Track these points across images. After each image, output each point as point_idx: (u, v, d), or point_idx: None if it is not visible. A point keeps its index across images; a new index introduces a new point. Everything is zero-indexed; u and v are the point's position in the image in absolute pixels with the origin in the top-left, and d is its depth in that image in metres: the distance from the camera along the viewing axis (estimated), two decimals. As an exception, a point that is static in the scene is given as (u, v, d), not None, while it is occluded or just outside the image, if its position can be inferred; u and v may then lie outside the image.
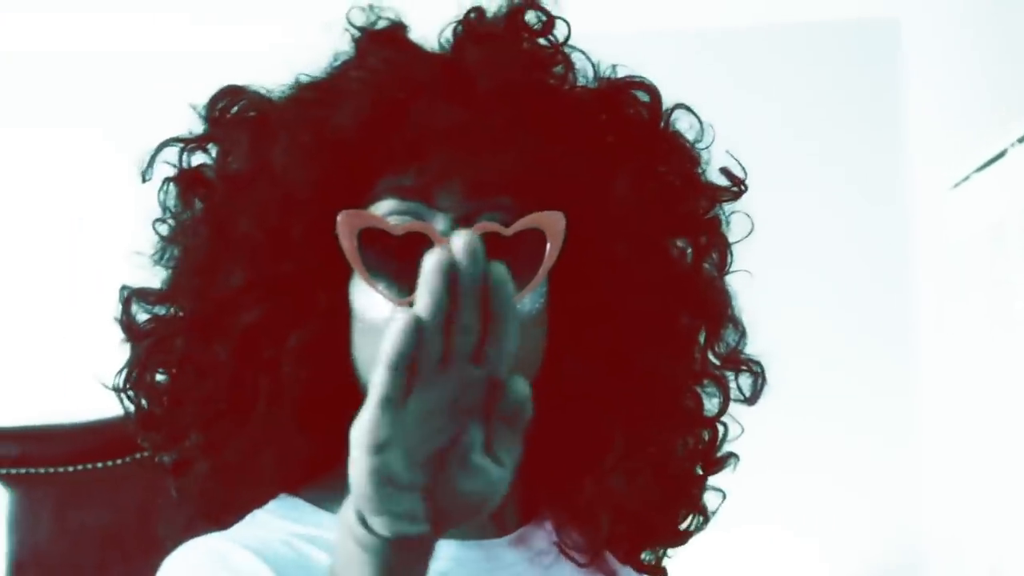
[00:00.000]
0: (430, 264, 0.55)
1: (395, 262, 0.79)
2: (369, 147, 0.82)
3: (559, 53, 0.87)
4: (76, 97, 3.02)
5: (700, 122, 0.90)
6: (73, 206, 3.02)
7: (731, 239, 0.94)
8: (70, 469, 1.17)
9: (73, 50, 3.06)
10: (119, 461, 1.14)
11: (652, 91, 0.88)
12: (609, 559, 0.90)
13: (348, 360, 0.83)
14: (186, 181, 0.86)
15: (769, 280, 2.93)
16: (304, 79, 0.87)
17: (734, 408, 0.93)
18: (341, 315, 0.83)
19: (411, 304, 0.76)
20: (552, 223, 0.81)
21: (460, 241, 0.55)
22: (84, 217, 2.97)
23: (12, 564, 1.16)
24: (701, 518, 0.94)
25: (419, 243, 0.79)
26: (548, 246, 0.81)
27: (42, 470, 1.17)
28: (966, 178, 2.26)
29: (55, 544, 1.17)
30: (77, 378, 0.93)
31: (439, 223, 0.80)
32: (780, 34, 2.87)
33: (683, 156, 0.90)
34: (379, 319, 0.79)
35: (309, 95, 0.86)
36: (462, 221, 0.80)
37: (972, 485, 2.33)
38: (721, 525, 2.90)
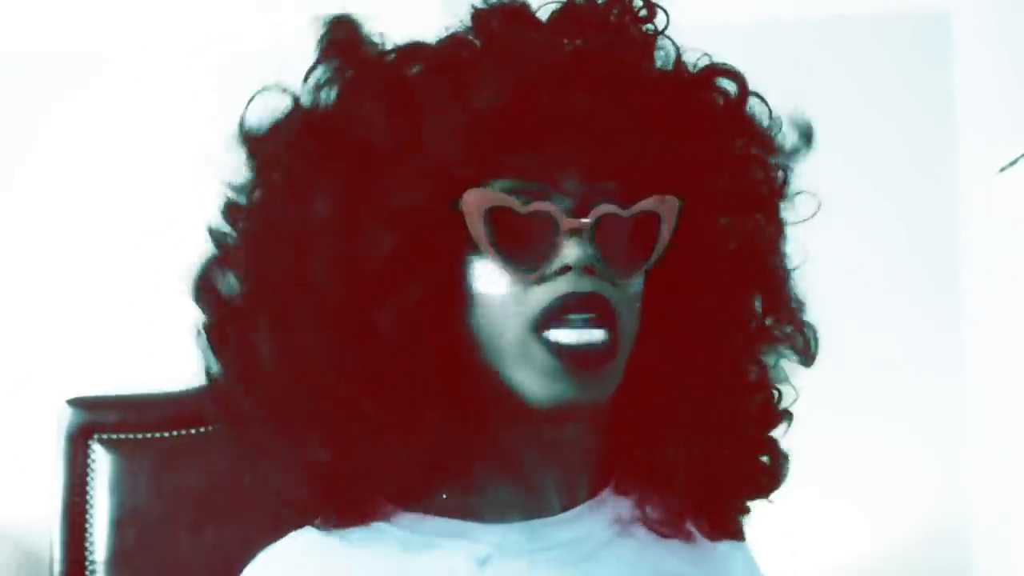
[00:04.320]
0: None
1: (518, 240, 0.79)
2: (500, 127, 0.80)
3: (661, 40, 0.87)
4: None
5: (770, 109, 0.91)
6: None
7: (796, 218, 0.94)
8: (166, 435, 1.19)
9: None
10: (211, 428, 1.14)
11: (739, 78, 0.89)
12: (696, 536, 0.90)
13: (460, 338, 0.80)
14: (307, 127, 0.81)
15: (822, 261, 2.90)
16: (419, 42, 0.83)
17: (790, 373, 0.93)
18: (452, 291, 0.81)
19: (534, 281, 0.77)
20: (668, 207, 0.82)
21: None
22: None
23: (113, 523, 1.18)
24: (776, 473, 0.96)
25: (542, 223, 0.79)
26: (662, 228, 0.82)
27: (140, 435, 1.20)
28: (1013, 162, 2.23)
29: (152, 505, 1.19)
30: (174, 349, 0.92)
31: (561, 204, 0.79)
32: (828, 22, 2.84)
33: (765, 140, 0.90)
34: (500, 296, 0.79)
35: (439, 63, 0.82)
36: (581, 203, 0.80)
37: (1018, 455, 2.30)
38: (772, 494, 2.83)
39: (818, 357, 0.93)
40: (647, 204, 0.81)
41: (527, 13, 0.84)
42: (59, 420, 1.23)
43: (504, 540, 0.82)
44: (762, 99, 0.90)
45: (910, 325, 2.76)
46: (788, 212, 0.94)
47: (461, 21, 0.84)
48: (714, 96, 0.88)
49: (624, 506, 0.87)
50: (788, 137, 0.93)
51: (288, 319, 0.79)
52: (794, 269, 0.94)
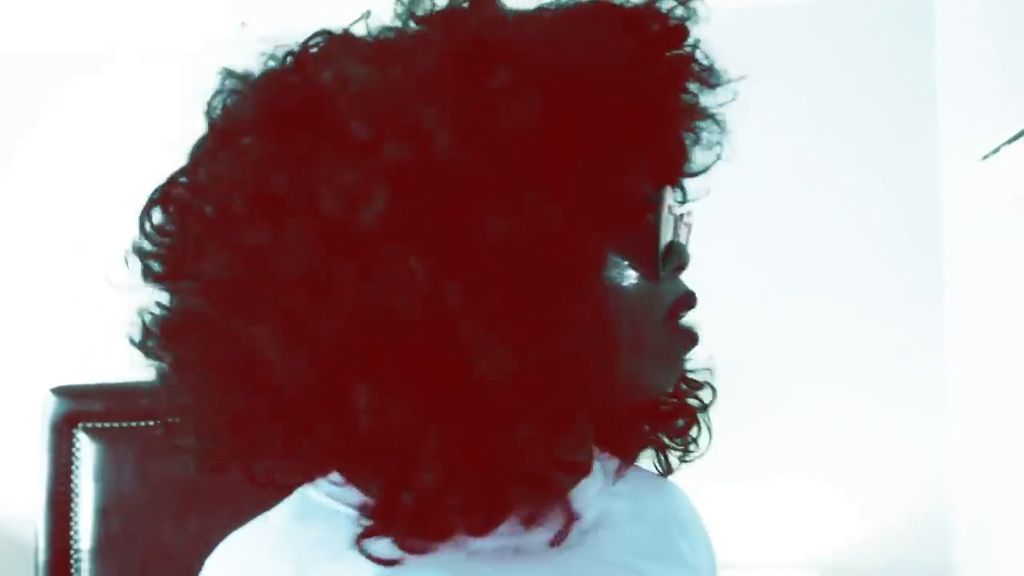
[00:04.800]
0: None
1: (661, 240, 0.79)
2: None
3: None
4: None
5: None
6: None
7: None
8: (151, 423, 1.19)
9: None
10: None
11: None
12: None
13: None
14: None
15: (804, 254, 2.92)
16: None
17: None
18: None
19: (660, 280, 0.76)
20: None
21: None
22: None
23: (98, 511, 1.18)
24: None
25: (678, 224, 0.81)
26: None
27: (125, 424, 1.19)
28: (995, 150, 2.24)
29: (137, 494, 1.19)
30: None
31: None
32: (813, 8, 2.84)
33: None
34: (632, 291, 0.77)
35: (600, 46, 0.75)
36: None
37: (998, 441, 2.32)
38: (755, 476, 2.88)
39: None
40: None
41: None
42: (44, 409, 1.22)
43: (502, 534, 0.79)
44: None
45: (892, 314, 2.78)
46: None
47: None
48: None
49: (599, 478, 0.87)
50: None
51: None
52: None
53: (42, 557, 1.18)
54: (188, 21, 2.98)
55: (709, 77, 0.83)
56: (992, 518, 2.36)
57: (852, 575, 2.70)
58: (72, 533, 1.18)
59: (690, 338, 0.81)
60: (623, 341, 0.76)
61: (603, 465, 0.89)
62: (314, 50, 0.76)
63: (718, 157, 0.86)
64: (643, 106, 0.76)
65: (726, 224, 2.79)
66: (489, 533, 0.73)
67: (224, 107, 0.77)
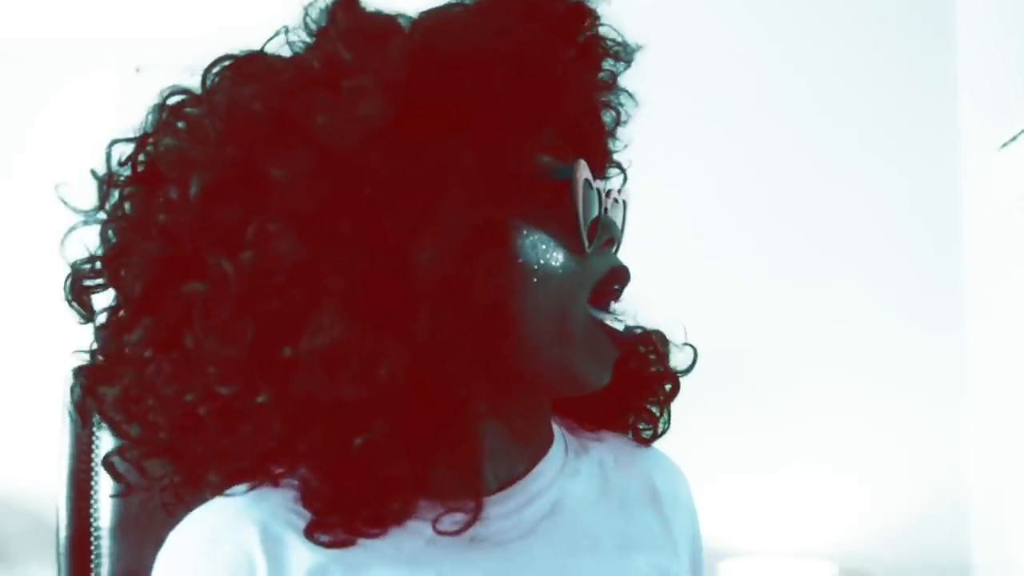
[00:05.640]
0: None
1: (585, 214, 0.79)
2: (530, 100, 0.77)
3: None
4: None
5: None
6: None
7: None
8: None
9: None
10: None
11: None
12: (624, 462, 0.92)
13: (512, 314, 0.75)
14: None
15: (819, 238, 2.91)
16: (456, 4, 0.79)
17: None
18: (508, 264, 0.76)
19: (587, 255, 0.77)
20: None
21: None
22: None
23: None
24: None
25: (604, 197, 0.81)
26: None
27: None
28: (1014, 138, 2.23)
29: (156, 472, 1.21)
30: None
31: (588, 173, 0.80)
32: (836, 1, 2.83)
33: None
34: (557, 267, 0.77)
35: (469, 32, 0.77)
36: (600, 172, 0.84)
37: (1016, 432, 2.31)
38: (773, 465, 2.89)
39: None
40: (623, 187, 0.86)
41: None
42: (66, 389, 1.24)
43: (449, 518, 0.79)
44: None
45: (911, 304, 2.77)
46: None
47: None
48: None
49: (556, 470, 0.88)
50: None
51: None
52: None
53: (63, 534, 1.19)
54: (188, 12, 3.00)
55: (621, 53, 0.84)
56: (1009, 509, 2.35)
57: (869, 565, 2.69)
58: (92, 511, 1.19)
59: (614, 338, 0.79)
60: (544, 321, 0.76)
61: (566, 442, 0.90)
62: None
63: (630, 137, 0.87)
64: (535, 83, 0.76)
65: (745, 215, 2.79)
66: (391, 525, 0.76)
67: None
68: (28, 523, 2.93)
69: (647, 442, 0.95)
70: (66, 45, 3.08)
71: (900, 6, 2.82)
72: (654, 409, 0.93)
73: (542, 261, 0.76)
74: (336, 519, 0.75)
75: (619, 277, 0.81)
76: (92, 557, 1.18)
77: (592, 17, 0.83)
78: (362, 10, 0.77)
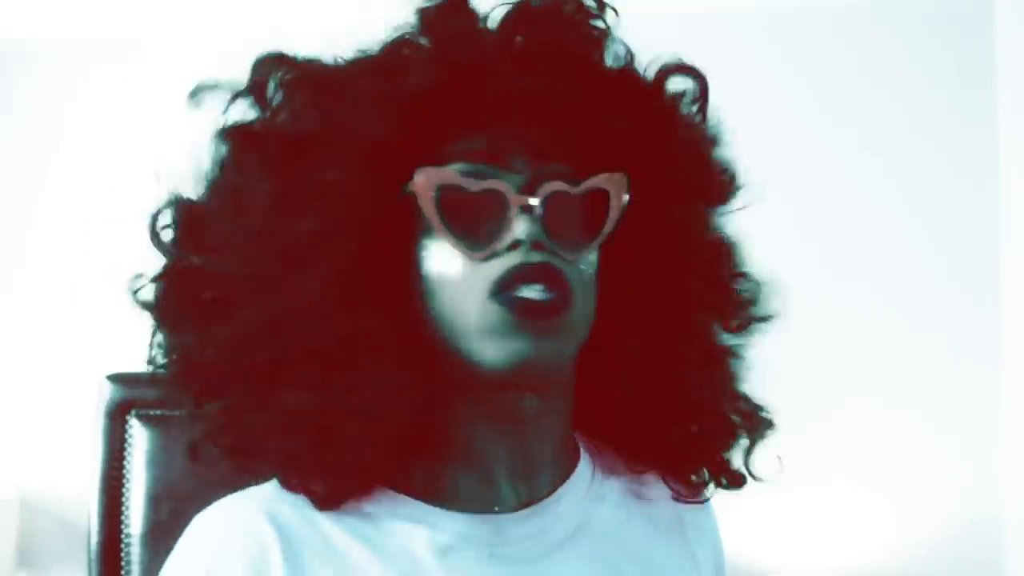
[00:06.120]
0: None
1: (469, 219, 0.80)
2: (439, 110, 0.82)
3: (607, 36, 0.88)
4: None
5: (710, 104, 0.92)
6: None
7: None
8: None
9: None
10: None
11: (699, 77, 0.90)
12: (659, 502, 0.91)
13: (413, 317, 0.82)
14: (242, 136, 0.85)
15: (852, 249, 2.89)
16: (365, 49, 0.85)
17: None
18: (404, 271, 0.83)
19: (484, 258, 0.79)
20: (617, 184, 0.83)
21: None
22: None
23: (149, 497, 1.20)
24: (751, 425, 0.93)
25: (493, 201, 0.80)
26: (612, 205, 0.83)
27: (177, 412, 1.21)
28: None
29: (187, 481, 1.20)
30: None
31: (510, 184, 0.81)
32: (871, 7, 2.82)
33: (712, 136, 0.91)
34: (452, 273, 0.80)
35: (374, 60, 0.85)
36: (532, 182, 0.81)
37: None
38: (800, 483, 2.88)
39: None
40: (595, 181, 0.82)
41: (467, 8, 0.86)
42: (99, 396, 1.24)
43: (466, 531, 0.82)
44: (706, 95, 0.91)
45: (946, 317, 2.74)
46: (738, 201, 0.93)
47: (408, 23, 0.86)
48: (662, 91, 0.89)
49: (580, 497, 0.88)
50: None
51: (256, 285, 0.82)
52: (735, 244, 0.94)
53: (95, 539, 1.20)
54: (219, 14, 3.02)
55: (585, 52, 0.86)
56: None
57: (899, 582, 2.67)
58: (123, 518, 1.19)
59: (522, 307, 0.79)
60: (441, 324, 0.81)
61: (592, 464, 0.90)
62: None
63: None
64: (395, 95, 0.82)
65: (778, 226, 2.77)
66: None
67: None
68: (60, 528, 2.94)
69: (697, 494, 0.94)
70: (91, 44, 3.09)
71: (940, 13, 2.80)
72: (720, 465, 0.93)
73: (437, 270, 0.81)
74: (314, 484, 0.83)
75: (523, 275, 0.80)
76: (123, 564, 1.19)
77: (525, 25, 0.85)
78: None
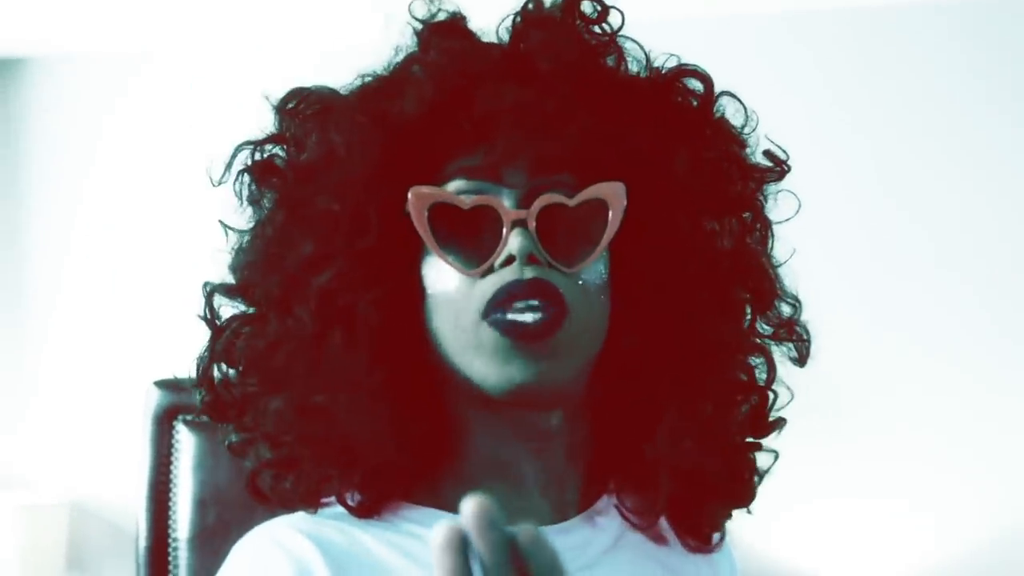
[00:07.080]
0: (436, 543, 0.57)
1: (465, 236, 0.80)
2: (435, 131, 0.82)
3: (613, 41, 0.86)
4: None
5: (746, 108, 0.89)
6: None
7: (778, 218, 0.90)
8: (247, 418, 1.22)
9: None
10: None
11: (705, 79, 0.88)
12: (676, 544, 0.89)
13: (420, 335, 0.83)
14: (260, 171, 0.86)
15: (909, 273, 2.86)
16: (367, 74, 0.86)
17: (783, 374, 0.89)
18: (411, 290, 0.83)
19: (480, 275, 0.79)
20: (614, 193, 0.82)
21: (468, 509, 0.56)
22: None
23: (196, 502, 1.21)
24: (757, 479, 0.89)
25: (486, 217, 0.80)
26: (610, 215, 0.82)
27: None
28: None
29: (233, 485, 1.21)
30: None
31: (506, 199, 0.81)
32: (958, 7, 2.78)
33: (731, 140, 0.88)
34: (450, 291, 0.81)
35: (374, 85, 0.86)
36: (528, 196, 0.81)
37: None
38: (844, 495, 2.83)
39: (812, 359, 0.89)
40: (592, 191, 0.81)
41: (461, 26, 0.86)
42: (146, 401, 1.26)
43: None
44: (738, 99, 0.89)
45: (987, 327, 2.71)
46: (774, 211, 0.90)
47: (406, 42, 0.86)
48: (678, 95, 0.87)
49: (617, 518, 0.87)
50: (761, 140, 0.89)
51: (270, 307, 0.84)
52: (780, 266, 0.90)
53: (143, 544, 1.21)
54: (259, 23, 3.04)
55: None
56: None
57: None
58: (171, 522, 1.21)
59: (513, 331, 0.78)
60: (441, 342, 0.82)
61: (619, 513, 0.88)
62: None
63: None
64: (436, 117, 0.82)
65: (841, 255, 2.74)
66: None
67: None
68: (108, 532, 2.98)
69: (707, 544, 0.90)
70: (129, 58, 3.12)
71: (994, 23, 2.78)
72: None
73: (437, 287, 0.82)
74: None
75: (515, 292, 0.79)
76: (170, 567, 1.20)
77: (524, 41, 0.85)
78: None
